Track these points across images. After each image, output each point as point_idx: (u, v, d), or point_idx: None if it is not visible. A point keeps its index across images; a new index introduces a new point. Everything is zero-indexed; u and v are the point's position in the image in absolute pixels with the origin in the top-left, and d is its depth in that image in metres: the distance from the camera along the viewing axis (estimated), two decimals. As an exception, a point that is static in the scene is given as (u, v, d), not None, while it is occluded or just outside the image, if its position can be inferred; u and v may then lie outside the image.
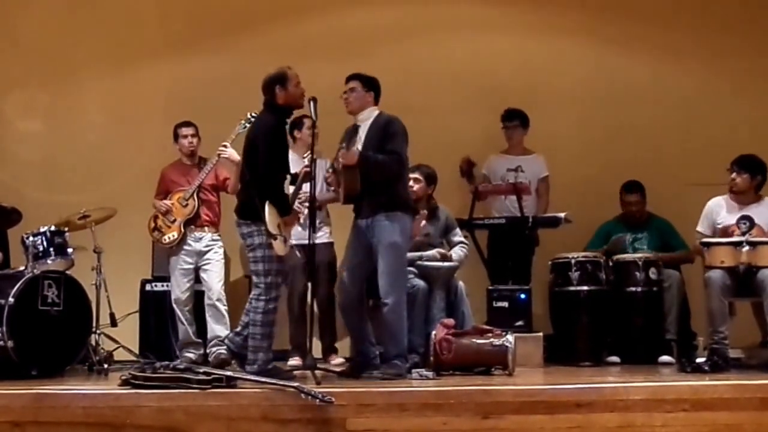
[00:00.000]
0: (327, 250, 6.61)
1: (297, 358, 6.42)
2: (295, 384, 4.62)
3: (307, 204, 5.83)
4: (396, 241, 5.52)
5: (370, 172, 5.50)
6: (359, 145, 5.58)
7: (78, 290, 6.06)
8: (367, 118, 5.70)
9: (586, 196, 7.47)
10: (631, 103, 7.91)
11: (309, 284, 5.99)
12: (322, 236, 6.52)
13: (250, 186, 5.37)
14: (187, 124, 6.83)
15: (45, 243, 6.14)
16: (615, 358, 6.58)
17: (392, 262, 5.51)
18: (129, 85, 7.81)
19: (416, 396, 4.71)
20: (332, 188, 5.90)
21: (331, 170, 5.74)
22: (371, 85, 5.73)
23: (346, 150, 5.53)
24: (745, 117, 7.81)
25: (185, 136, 6.79)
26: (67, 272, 6.11)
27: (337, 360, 6.58)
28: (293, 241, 6.17)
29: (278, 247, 5.31)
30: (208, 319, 6.52)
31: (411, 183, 6.39)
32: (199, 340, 6.60)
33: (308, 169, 5.80)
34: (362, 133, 5.66)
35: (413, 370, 5.49)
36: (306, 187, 5.76)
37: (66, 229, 6.33)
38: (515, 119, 7.30)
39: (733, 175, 6.28)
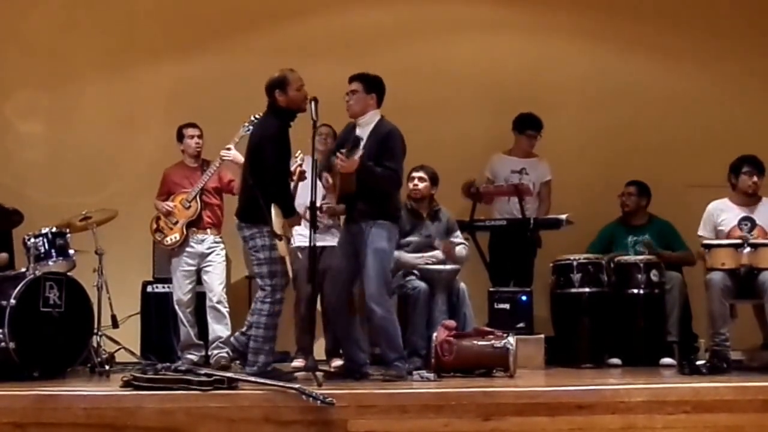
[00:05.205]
0: (334, 255, 6.51)
1: (301, 359, 6.42)
2: (297, 386, 4.62)
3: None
4: (382, 246, 5.53)
5: (366, 182, 5.51)
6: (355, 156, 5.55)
7: (79, 292, 6.05)
8: (368, 122, 5.67)
9: (587, 197, 7.48)
10: (632, 105, 7.94)
11: (316, 287, 5.98)
12: (332, 240, 6.48)
13: (253, 188, 5.35)
14: (193, 125, 6.82)
15: (46, 244, 6.14)
16: (616, 360, 6.58)
17: (378, 268, 5.50)
18: (130, 86, 7.82)
19: (417, 398, 4.71)
20: (326, 187, 5.85)
21: (326, 171, 5.70)
22: (374, 86, 5.68)
23: (346, 156, 5.52)
24: (744, 118, 7.84)
25: (192, 137, 6.77)
26: (69, 274, 6.11)
27: (337, 362, 6.57)
28: (302, 244, 6.17)
29: (281, 248, 5.32)
30: (210, 320, 6.51)
31: (416, 182, 6.44)
32: (201, 342, 6.59)
33: (302, 168, 5.82)
34: (362, 136, 5.63)
35: (414, 372, 5.50)
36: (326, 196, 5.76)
37: (67, 230, 6.33)
38: (541, 128, 7.24)
39: (755, 178, 6.26)
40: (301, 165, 5.92)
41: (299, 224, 5.76)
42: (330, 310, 5.82)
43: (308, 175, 5.84)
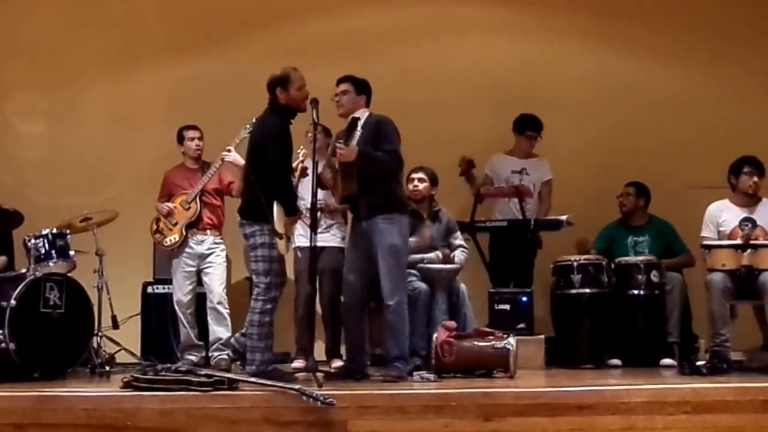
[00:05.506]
0: (335, 255, 6.44)
1: (301, 360, 6.42)
2: (297, 386, 4.62)
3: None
4: (395, 243, 5.53)
5: (368, 169, 5.50)
6: (354, 143, 5.57)
7: (80, 292, 6.05)
8: (359, 118, 5.70)
9: (587, 198, 7.48)
10: (632, 105, 7.94)
11: (315, 287, 5.98)
12: (332, 240, 6.50)
13: (255, 186, 5.36)
14: (194, 127, 6.82)
15: (47, 245, 6.14)
16: (616, 361, 6.58)
17: (393, 265, 5.51)
18: (130, 87, 7.83)
19: (418, 398, 4.70)
20: (326, 180, 5.80)
21: (327, 169, 5.70)
22: (363, 88, 5.74)
23: (344, 146, 5.52)
24: (745, 119, 7.83)
25: (192, 139, 6.78)
26: (69, 274, 6.11)
27: (337, 363, 6.58)
28: (302, 244, 6.17)
29: (282, 246, 5.33)
30: (210, 321, 6.51)
31: (416, 183, 6.44)
32: (201, 343, 6.59)
33: (303, 164, 5.81)
34: (358, 129, 5.64)
35: (415, 373, 5.50)
36: (320, 193, 5.77)
37: (68, 231, 6.33)
38: (541, 129, 7.24)
39: (755, 179, 6.27)
40: (302, 161, 5.93)
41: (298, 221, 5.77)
42: (346, 311, 5.78)
43: (309, 173, 5.84)
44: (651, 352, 6.55)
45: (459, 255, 6.49)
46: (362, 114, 5.71)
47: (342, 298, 5.92)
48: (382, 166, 5.56)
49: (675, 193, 7.45)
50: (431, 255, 6.34)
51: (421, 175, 6.45)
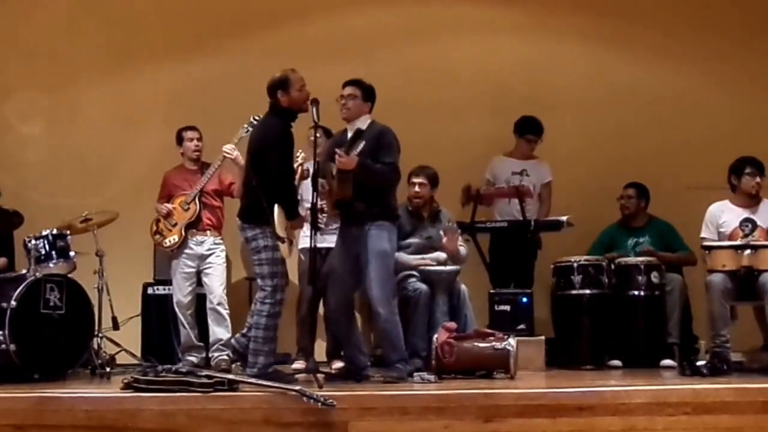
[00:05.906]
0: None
1: (301, 361, 6.42)
2: (297, 387, 4.62)
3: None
4: (385, 248, 5.54)
5: (367, 180, 5.50)
6: (356, 152, 5.57)
7: (80, 293, 6.05)
8: (361, 125, 5.69)
9: (587, 199, 7.47)
10: (633, 106, 7.94)
11: (317, 288, 5.96)
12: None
13: (257, 189, 5.34)
14: (193, 128, 6.82)
15: (47, 246, 6.15)
16: (617, 362, 6.57)
17: (382, 270, 5.52)
18: (130, 88, 7.83)
19: (418, 399, 4.71)
20: (322, 192, 5.82)
21: (321, 177, 5.69)
22: (370, 95, 5.73)
23: (344, 154, 5.52)
24: (744, 119, 7.83)
25: (191, 140, 6.77)
26: (69, 275, 6.11)
27: (338, 364, 6.57)
28: (307, 245, 6.16)
29: (284, 250, 5.32)
30: (210, 322, 6.50)
31: (417, 189, 6.41)
32: (201, 344, 6.59)
33: (303, 167, 5.80)
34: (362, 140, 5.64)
35: (415, 374, 5.50)
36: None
37: (68, 232, 6.34)
38: (542, 133, 7.24)
39: (757, 179, 6.27)
40: (302, 164, 5.91)
41: (301, 227, 5.76)
42: (331, 314, 5.81)
43: (308, 175, 5.83)
44: (651, 353, 6.55)
45: (462, 249, 6.50)
46: (365, 122, 5.70)
47: (328, 303, 5.89)
48: (381, 179, 5.57)
49: (675, 193, 7.45)
50: (433, 255, 6.34)
51: (421, 179, 6.43)
